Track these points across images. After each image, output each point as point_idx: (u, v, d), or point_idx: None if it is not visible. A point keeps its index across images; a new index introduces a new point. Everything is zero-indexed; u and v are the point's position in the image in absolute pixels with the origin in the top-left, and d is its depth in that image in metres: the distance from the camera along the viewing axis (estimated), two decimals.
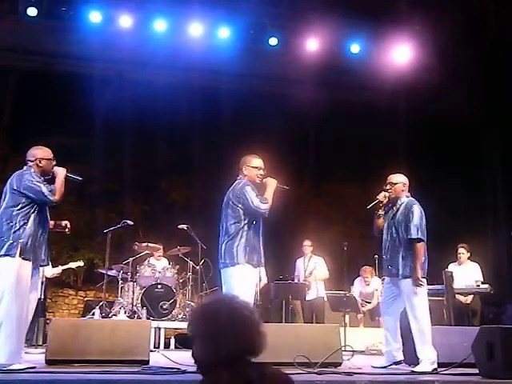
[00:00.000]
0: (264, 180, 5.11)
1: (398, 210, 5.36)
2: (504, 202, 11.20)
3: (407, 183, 5.49)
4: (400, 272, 5.21)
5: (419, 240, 5.18)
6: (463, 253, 8.09)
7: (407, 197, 5.42)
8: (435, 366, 4.98)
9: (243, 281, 4.78)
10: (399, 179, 5.45)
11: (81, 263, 8.84)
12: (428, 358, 5.02)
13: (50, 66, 10.37)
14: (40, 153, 4.78)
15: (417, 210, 5.25)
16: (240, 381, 1.91)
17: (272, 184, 5.08)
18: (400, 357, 5.42)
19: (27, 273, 4.56)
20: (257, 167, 5.12)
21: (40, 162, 4.74)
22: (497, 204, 11.50)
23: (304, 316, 8.61)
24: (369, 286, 8.87)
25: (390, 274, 5.34)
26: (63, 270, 8.65)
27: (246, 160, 5.16)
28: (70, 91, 10.07)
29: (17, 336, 4.46)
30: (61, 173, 4.78)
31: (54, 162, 4.84)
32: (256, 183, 5.09)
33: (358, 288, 8.99)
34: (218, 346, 1.94)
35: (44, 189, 4.61)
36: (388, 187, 5.42)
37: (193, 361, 2.01)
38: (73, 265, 8.74)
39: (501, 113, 10.96)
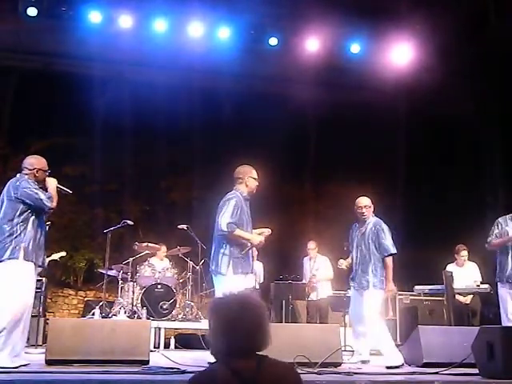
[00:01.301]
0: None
1: (366, 228, 5.84)
2: (504, 202, 11.17)
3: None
4: (370, 283, 5.67)
5: (391, 254, 5.71)
6: (466, 255, 8.05)
7: (373, 216, 5.88)
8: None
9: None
10: (369, 201, 5.92)
11: (63, 253, 8.67)
12: (392, 351, 5.41)
13: (50, 66, 10.36)
14: (38, 163, 4.88)
15: (385, 228, 5.78)
16: (245, 373, 1.97)
17: (255, 238, 4.97)
18: (367, 356, 5.76)
19: (31, 274, 4.67)
20: (256, 178, 5.15)
21: (37, 172, 4.84)
22: (497, 203, 11.48)
23: (309, 316, 8.61)
24: None
25: (361, 287, 5.77)
26: (49, 263, 8.50)
27: (247, 171, 5.16)
28: (70, 91, 10.06)
29: (17, 336, 4.52)
30: (52, 182, 4.90)
31: (48, 173, 4.93)
32: (252, 194, 5.13)
33: None
34: (228, 341, 2.04)
35: (42, 195, 4.70)
36: (364, 210, 5.85)
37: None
38: (55, 256, 8.51)
39: (501, 111, 10.94)
